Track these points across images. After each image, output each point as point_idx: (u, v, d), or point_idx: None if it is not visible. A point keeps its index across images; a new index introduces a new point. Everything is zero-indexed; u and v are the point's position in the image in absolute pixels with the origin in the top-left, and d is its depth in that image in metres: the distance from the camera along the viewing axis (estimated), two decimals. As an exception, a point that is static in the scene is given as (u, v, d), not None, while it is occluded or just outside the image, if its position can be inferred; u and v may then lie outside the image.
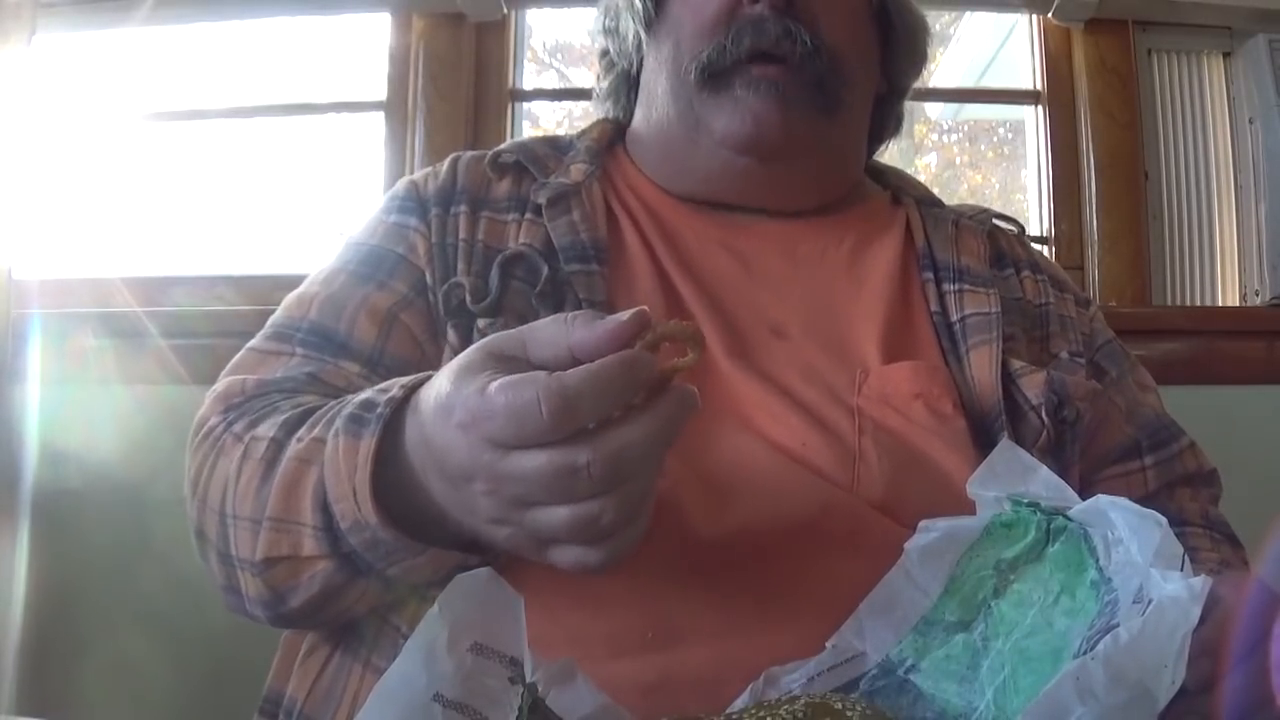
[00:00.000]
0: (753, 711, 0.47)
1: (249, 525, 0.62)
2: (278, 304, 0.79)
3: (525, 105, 1.66)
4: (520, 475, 0.48)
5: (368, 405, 0.57)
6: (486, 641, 0.45)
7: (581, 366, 0.47)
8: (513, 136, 1.57)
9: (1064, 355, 0.80)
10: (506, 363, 0.50)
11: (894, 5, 0.85)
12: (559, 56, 1.91)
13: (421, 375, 0.57)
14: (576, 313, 0.50)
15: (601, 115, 0.93)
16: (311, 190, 1.71)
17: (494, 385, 0.47)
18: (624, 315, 0.49)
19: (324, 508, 0.58)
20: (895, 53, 0.87)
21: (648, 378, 0.48)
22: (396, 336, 0.72)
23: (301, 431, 0.61)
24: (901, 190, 0.90)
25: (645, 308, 0.50)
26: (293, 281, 0.80)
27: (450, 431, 0.49)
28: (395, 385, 0.57)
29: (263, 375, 0.71)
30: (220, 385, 0.72)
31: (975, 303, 0.78)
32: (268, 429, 0.64)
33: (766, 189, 0.81)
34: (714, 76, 0.78)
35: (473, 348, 0.51)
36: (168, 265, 1.57)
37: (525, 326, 0.52)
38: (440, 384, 0.51)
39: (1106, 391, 0.81)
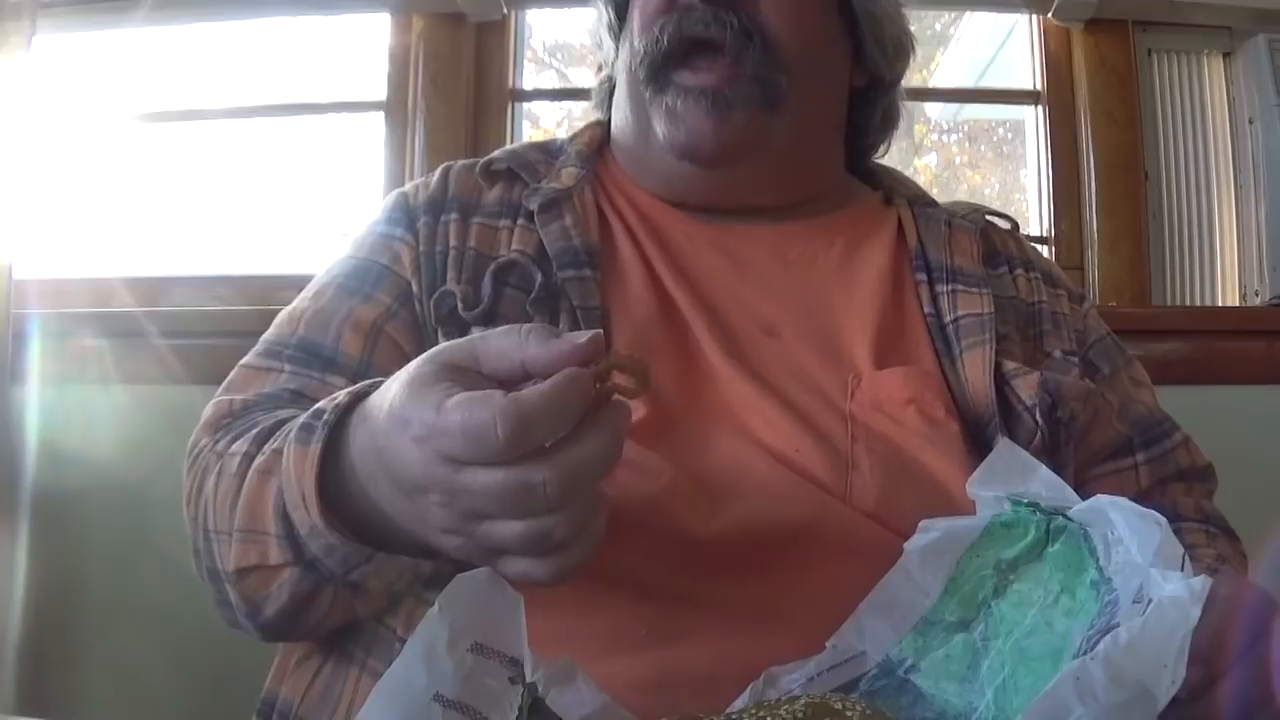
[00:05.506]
0: (753, 711, 0.47)
1: (226, 539, 0.63)
2: (277, 304, 0.79)
3: (525, 105, 1.66)
4: (476, 490, 0.48)
5: (317, 414, 0.58)
6: (486, 641, 0.45)
7: (535, 388, 0.47)
8: (513, 137, 1.58)
9: (1057, 354, 0.80)
10: (460, 375, 0.49)
11: None
12: (559, 56, 1.91)
13: (370, 382, 0.57)
14: (530, 325, 0.50)
15: (595, 118, 0.94)
16: (311, 190, 1.71)
17: (450, 402, 0.47)
18: (581, 337, 0.48)
19: (284, 516, 0.58)
20: (864, 42, 0.85)
21: (598, 397, 0.49)
22: (382, 349, 0.73)
23: (268, 444, 0.63)
24: (893, 190, 0.89)
25: (600, 332, 0.50)
26: (292, 281, 0.80)
27: (406, 444, 0.49)
28: (344, 393, 0.58)
29: (250, 394, 0.72)
30: (209, 410, 0.73)
31: (968, 304, 0.78)
32: (241, 445, 0.65)
33: (719, 192, 0.81)
34: (654, 74, 0.78)
35: (424, 357, 0.51)
36: (167, 265, 1.57)
37: (476, 337, 0.51)
38: (394, 394, 0.51)
39: (1099, 388, 0.81)
